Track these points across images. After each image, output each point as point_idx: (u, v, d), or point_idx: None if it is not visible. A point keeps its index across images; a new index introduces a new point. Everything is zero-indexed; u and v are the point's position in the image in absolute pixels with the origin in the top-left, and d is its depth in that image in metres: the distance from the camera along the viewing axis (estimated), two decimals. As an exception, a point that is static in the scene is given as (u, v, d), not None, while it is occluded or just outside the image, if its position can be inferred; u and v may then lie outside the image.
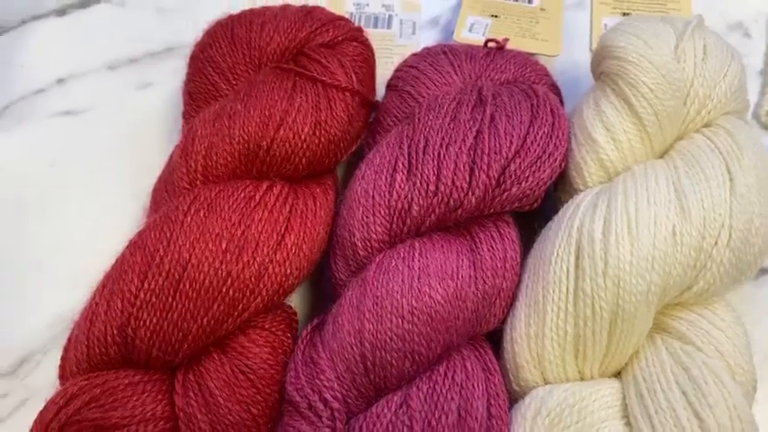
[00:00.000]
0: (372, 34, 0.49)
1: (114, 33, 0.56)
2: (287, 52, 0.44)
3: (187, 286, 0.35)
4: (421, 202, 0.38)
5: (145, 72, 0.55)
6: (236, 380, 0.35)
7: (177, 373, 0.36)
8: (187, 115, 0.45)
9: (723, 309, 0.38)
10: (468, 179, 0.38)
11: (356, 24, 0.48)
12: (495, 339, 0.39)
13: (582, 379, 0.37)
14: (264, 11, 0.46)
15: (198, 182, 0.40)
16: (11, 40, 0.56)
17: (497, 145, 0.39)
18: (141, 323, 0.35)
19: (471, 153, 0.38)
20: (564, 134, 0.41)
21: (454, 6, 0.58)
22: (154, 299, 0.35)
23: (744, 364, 0.36)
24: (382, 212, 0.38)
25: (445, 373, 0.35)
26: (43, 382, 0.43)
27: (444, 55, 0.46)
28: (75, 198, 0.50)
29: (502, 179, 0.38)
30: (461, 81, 0.44)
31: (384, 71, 0.49)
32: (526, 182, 0.39)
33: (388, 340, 0.35)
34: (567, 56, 0.53)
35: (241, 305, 0.36)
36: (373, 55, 0.48)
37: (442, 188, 0.38)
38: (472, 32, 0.54)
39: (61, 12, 0.57)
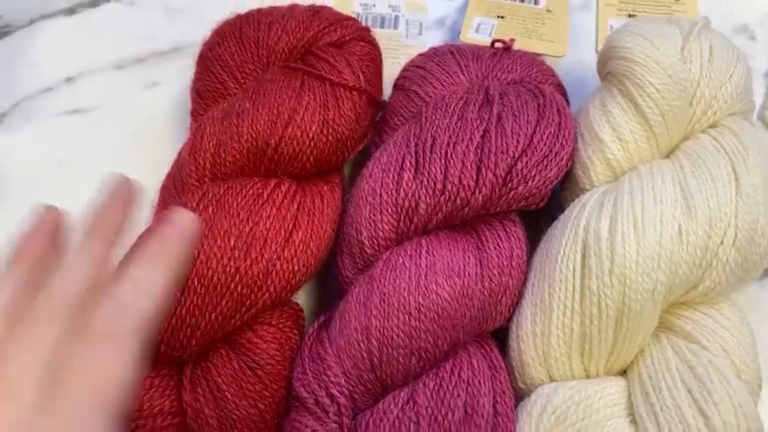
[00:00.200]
0: (379, 34, 0.49)
1: (123, 32, 0.57)
2: (295, 51, 0.44)
3: (195, 282, 0.36)
4: (428, 200, 0.38)
5: (153, 71, 0.55)
6: (244, 375, 0.36)
7: (185, 368, 0.37)
8: (195, 113, 0.46)
9: (728, 308, 0.38)
10: (475, 178, 0.38)
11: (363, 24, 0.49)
12: (501, 337, 0.40)
13: (588, 377, 0.37)
14: (272, 10, 0.46)
15: (206, 179, 0.40)
16: (20, 39, 0.56)
17: (504, 144, 0.39)
18: (150, 319, 0.35)
19: (478, 152, 0.38)
20: (570, 134, 0.41)
21: (460, 7, 0.58)
22: (162, 294, 0.35)
23: (749, 362, 0.36)
24: (389, 210, 0.39)
25: (452, 370, 0.35)
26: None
27: (451, 55, 0.46)
28: (83, 196, 0.50)
29: (509, 178, 0.39)
30: (468, 81, 0.45)
31: (391, 71, 0.49)
32: (533, 181, 0.39)
33: (395, 337, 0.35)
34: (572, 57, 0.53)
35: (249, 301, 0.37)
36: (380, 54, 0.48)
37: (450, 186, 0.38)
38: (479, 33, 0.54)
39: (70, 11, 0.58)
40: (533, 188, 0.39)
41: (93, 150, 0.52)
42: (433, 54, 0.48)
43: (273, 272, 0.37)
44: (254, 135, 0.40)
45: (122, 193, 0.33)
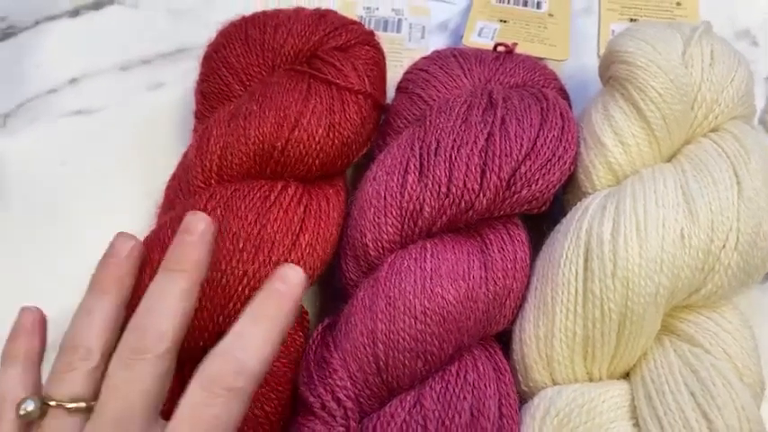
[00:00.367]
0: (382, 38, 0.49)
1: (127, 34, 0.57)
2: (300, 54, 0.44)
3: (204, 285, 0.35)
4: (432, 203, 0.38)
5: (156, 73, 0.55)
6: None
7: (184, 369, 0.37)
8: (199, 115, 0.46)
9: (731, 311, 0.39)
10: (479, 181, 0.38)
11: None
12: (505, 341, 0.40)
13: (590, 380, 0.37)
14: (278, 13, 0.46)
15: (213, 181, 0.40)
16: (24, 41, 0.56)
17: (508, 147, 0.39)
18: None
19: (482, 155, 0.39)
20: (573, 137, 0.41)
21: (463, 11, 0.58)
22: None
23: (752, 366, 0.37)
24: (394, 213, 0.39)
25: (457, 373, 0.35)
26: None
27: (454, 58, 0.47)
28: (87, 197, 0.50)
29: (512, 181, 0.39)
30: (471, 84, 0.45)
31: (394, 74, 0.49)
32: (536, 184, 0.39)
33: (400, 340, 0.35)
34: (574, 61, 0.54)
35: (256, 304, 0.37)
36: (384, 58, 0.48)
37: (454, 190, 0.38)
38: (481, 37, 0.54)
39: (74, 13, 0.58)
40: (537, 192, 0.39)
41: (97, 151, 0.52)
42: (436, 57, 0.48)
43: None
44: (261, 138, 0.40)
45: (197, 228, 0.34)
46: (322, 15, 0.46)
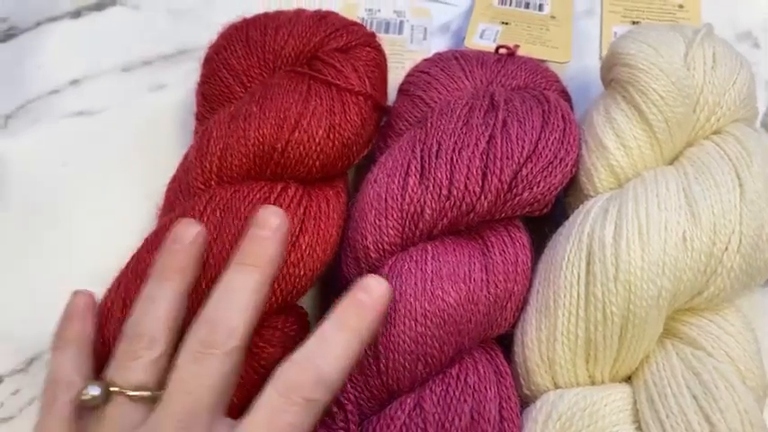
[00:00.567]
0: (383, 40, 0.49)
1: (128, 36, 0.57)
2: (301, 56, 0.44)
3: (203, 286, 0.35)
4: (434, 205, 0.38)
5: (158, 74, 0.55)
6: (251, 379, 0.35)
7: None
8: (200, 116, 0.46)
9: (733, 314, 0.38)
10: (480, 183, 0.38)
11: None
12: (506, 344, 0.39)
13: (593, 383, 0.37)
14: (279, 15, 0.46)
15: (212, 182, 0.40)
16: (26, 42, 0.56)
17: (509, 150, 0.39)
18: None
19: (484, 157, 0.39)
20: (575, 140, 0.41)
21: (465, 13, 0.58)
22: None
23: (754, 369, 0.36)
24: (395, 216, 0.39)
25: (458, 376, 0.35)
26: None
27: (456, 60, 0.47)
28: (88, 198, 0.50)
29: (514, 184, 0.39)
30: (473, 86, 0.45)
31: (395, 76, 0.49)
32: (537, 187, 0.39)
33: (401, 342, 0.35)
34: (576, 63, 0.53)
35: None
36: (386, 60, 0.48)
37: (455, 192, 0.38)
38: (483, 39, 0.54)
39: (76, 14, 0.58)
40: (538, 194, 0.39)
41: (99, 152, 0.52)
42: (438, 59, 0.48)
43: (280, 276, 0.37)
44: (261, 139, 0.40)
45: (270, 223, 0.34)
46: (323, 17, 0.46)
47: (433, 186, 0.38)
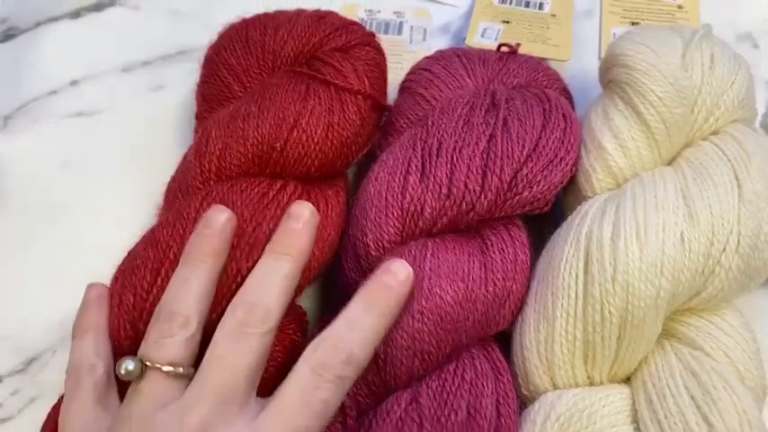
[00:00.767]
0: (383, 40, 0.49)
1: (128, 36, 0.57)
2: (300, 56, 0.44)
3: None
4: (433, 204, 0.38)
5: (158, 74, 0.55)
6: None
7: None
8: (200, 116, 0.46)
9: (732, 314, 0.38)
10: (480, 182, 0.38)
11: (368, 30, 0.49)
12: (506, 345, 0.39)
13: (591, 384, 0.37)
14: (279, 15, 0.46)
15: (211, 182, 0.40)
16: (26, 42, 0.57)
17: (510, 149, 0.39)
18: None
19: (484, 156, 0.39)
20: (575, 139, 0.41)
21: (464, 14, 0.58)
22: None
23: (753, 369, 0.36)
24: (395, 214, 0.39)
25: (455, 372, 0.35)
26: (51, 381, 0.43)
27: (458, 58, 0.47)
28: (88, 198, 0.50)
29: (514, 183, 0.39)
30: (474, 84, 0.45)
31: (395, 77, 0.49)
32: (537, 186, 0.39)
33: (398, 338, 0.35)
34: (576, 64, 0.54)
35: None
36: (385, 59, 0.48)
37: (455, 191, 0.38)
38: (485, 38, 0.54)
39: (75, 14, 0.58)
40: (538, 193, 0.39)
41: (98, 153, 0.52)
42: (440, 57, 0.48)
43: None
44: (260, 138, 0.40)
45: (302, 216, 0.36)
46: (322, 17, 0.46)
47: (434, 185, 0.38)
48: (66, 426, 0.33)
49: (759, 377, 0.37)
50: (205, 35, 0.47)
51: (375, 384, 0.36)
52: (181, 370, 0.32)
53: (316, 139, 0.40)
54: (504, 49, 0.49)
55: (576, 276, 0.37)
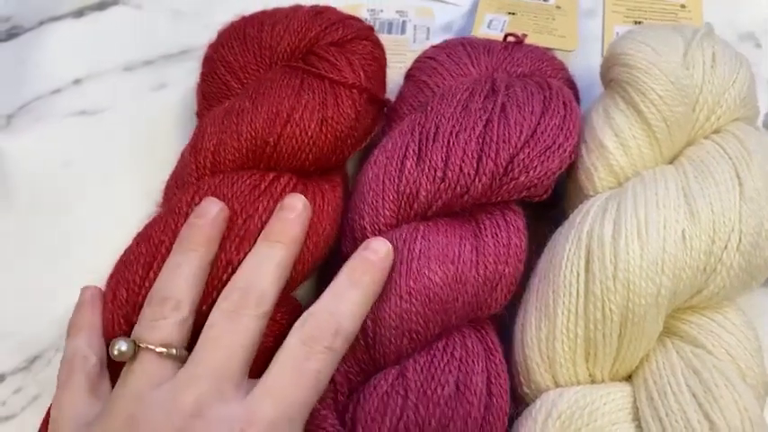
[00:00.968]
0: (386, 39, 0.49)
1: (130, 35, 0.57)
2: (297, 51, 0.44)
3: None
4: (429, 187, 0.39)
5: (160, 73, 0.55)
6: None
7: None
8: (201, 114, 0.46)
9: (734, 313, 0.38)
10: (475, 166, 0.38)
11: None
12: (506, 345, 0.39)
13: (593, 382, 0.37)
14: (276, 12, 0.46)
15: (206, 177, 0.40)
16: (28, 41, 0.57)
17: (506, 134, 0.39)
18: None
19: (480, 141, 0.39)
20: (575, 126, 0.41)
21: (467, 12, 0.58)
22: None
23: (755, 367, 0.36)
24: (391, 197, 0.39)
25: (444, 349, 0.36)
26: (54, 379, 0.44)
27: (462, 47, 0.47)
28: (90, 197, 0.50)
29: (510, 167, 0.39)
30: (478, 73, 0.45)
31: (398, 77, 0.50)
32: (534, 171, 0.39)
33: (386, 318, 0.36)
34: (579, 63, 0.54)
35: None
36: (384, 53, 0.48)
37: (450, 174, 0.38)
38: (491, 29, 0.55)
39: (78, 13, 0.58)
40: (535, 178, 0.39)
41: (101, 152, 0.52)
42: (446, 46, 0.48)
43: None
44: (253, 133, 0.40)
45: (296, 207, 0.37)
46: (319, 12, 0.46)
47: (429, 168, 0.39)
48: (58, 415, 0.33)
49: (761, 375, 0.36)
50: (207, 34, 0.48)
51: (365, 362, 0.36)
52: (174, 351, 0.32)
53: (309, 134, 0.40)
54: (510, 39, 0.49)
55: (578, 274, 0.37)
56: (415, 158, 0.39)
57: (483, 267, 0.37)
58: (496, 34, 0.54)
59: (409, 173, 0.39)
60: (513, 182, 0.39)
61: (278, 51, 0.44)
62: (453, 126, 0.40)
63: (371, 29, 0.48)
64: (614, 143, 0.41)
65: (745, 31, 0.57)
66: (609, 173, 0.41)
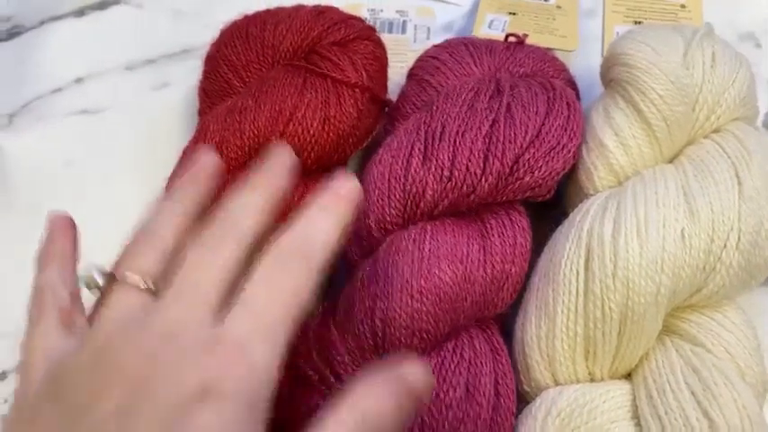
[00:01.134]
0: (387, 39, 0.49)
1: (132, 34, 0.57)
2: (299, 50, 0.45)
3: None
4: (435, 186, 0.39)
5: (161, 72, 0.56)
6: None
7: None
8: (203, 113, 0.46)
9: (733, 311, 0.38)
10: (482, 166, 0.39)
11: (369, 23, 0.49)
12: (506, 344, 0.39)
13: (592, 380, 0.37)
14: (279, 11, 0.47)
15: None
16: (30, 40, 0.57)
17: (512, 134, 0.39)
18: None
19: (486, 141, 0.39)
20: (578, 127, 0.41)
21: (467, 12, 0.59)
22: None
23: (754, 365, 0.36)
24: (397, 196, 0.39)
25: (453, 350, 0.36)
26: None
27: (465, 47, 0.47)
28: (91, 196, 0.50)
29: (515, 167, 0.39)
30: (480, 72, 0.45)
31: (399, 77, 0.50)
32: (539, 171, 0.39)
33: (396, 317, 0.35)
34: (579, 63, 0.54)
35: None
36: (385, 53, 0.48)
37: (457, 173, 0.38)
38: (492, 29, 0.55)
39: (80, 12, 0.58)
40: (539, 178, 0.39)
41: (102, 151, 0.52)
42: (448, 45, 0.48)
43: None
44: (256, 132, 0.40)
45: (282, 158, 0.33)
46: (321, 12, 0.46)
47: (436, 167, 0.39)
48: (29, 352, 0.30)
49: (760, 374, 0.36)
50: (208, 33, 0.48)
51: (374, 362, 0.36)
52: (151, 285, 0.29)
53: (312, 132, 0.41)
54: (511, 39, 0.49)
55: (577, 273, 0.37)
56: (421, 157, 0.39)
57: (491, 267, 0.38)
58: (497, 34, 0.54)
59: (415, 172, 0.39)
60: (519, 182, 0.39)
61: (280, 50, 0.44)
62: (459, 125, 0.40)
63: (373, 29, 0.48)
64: (614, 142, 0.41)
65: (745, 31, 0.57)
66: (609, 172, 0.41)
